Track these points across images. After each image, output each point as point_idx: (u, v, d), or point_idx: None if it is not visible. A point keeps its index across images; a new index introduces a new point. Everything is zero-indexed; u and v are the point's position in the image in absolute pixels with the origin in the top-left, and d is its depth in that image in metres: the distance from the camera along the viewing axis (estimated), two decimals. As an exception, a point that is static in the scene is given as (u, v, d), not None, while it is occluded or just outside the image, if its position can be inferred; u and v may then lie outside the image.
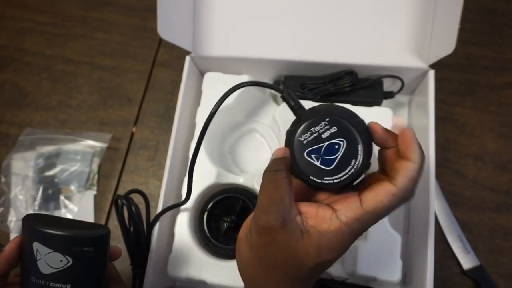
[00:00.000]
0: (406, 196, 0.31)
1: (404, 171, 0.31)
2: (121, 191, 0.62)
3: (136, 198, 0.48)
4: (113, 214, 0.61)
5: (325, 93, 0.55)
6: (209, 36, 0.58)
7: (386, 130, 0.33)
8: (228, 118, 0.57)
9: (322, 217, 0.31)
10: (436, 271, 0.46)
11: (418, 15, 0.54)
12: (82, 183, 0.62)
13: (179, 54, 0.65)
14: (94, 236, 0.36)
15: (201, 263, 0.49)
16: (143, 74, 0.69)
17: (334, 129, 0.32)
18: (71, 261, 0.35)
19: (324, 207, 0.32)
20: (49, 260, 0.35)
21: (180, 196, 0.53)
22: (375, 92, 0.56)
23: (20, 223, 0.59)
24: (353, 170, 0.32)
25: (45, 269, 0.35)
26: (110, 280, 0.40)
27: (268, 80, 0.61)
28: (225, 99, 0.36)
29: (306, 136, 0.33)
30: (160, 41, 0.71)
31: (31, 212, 0.61)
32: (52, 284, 0.35)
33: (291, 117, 0.36)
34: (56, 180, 0.62)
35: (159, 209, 0.51)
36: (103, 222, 0.61)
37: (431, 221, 0.47)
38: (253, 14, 0.57)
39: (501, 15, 0.66)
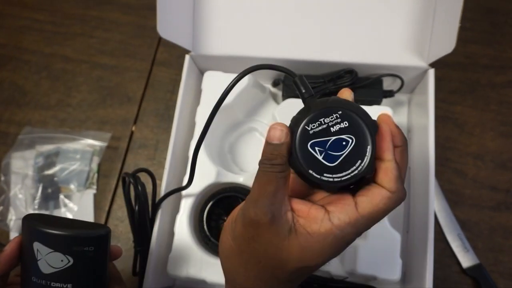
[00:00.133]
0: (401, 197, 0.29)
1: (387, 173, 0.29)
2: (121, 190, 0.62)
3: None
4: (113, 213, 0.61)
5: (325, 92, 0.55)
6: (209, 34, 0.58)
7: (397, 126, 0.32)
8: (228, 117, 0.57)
9: (314, 217, 0.29)
10: (436, 269, 0.46)
11: (418, 14, 0.54)
12: (82, 182, 0.62)
13: (179, 52, 0.65)
14: (95, 236, 0.36)
15: (201, 262, 0.49)
16: (143, 72, 0.69)
17: (345, 124, 0.30)
18: (71, 261, 0.35)
19: (317, 207, 0.30)
20: (50, 260, 0.35)
21: (180, 195, 0.53)
22: (375, 91, 0.56)
23: (19, 222, 0.59)
24: (356, 171, 0.29)
25: (45, 269, 0.35)
26: (111, 279, 0.40)
27: (268, 79, 0.61)
28: (238, 81, 0.34)
29: (314, 125, 0.30)
30: (160, 39, 0.71)
31: (31, 210, 0.61)
32: (53, 284, 0.35)
33: (291, 116, 0.36)
34: (55, 179, 0.62)
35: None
36: (103, 221, 0.61)
37: (431, 220, 0.47)
38: (253, 13, 0.57)
39: (501, 13, 0.66)
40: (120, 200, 0.62)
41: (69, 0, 0.75)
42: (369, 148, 0.29)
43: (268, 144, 0.30)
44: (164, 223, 0.52)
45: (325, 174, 0.29)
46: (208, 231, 0.51)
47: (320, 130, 0.30)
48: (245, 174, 0.53)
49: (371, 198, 0.29)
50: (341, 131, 0.30)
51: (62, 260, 0.35)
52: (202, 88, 0.56)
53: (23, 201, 0.61)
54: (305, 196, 0.34)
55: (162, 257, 0.51)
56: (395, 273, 0.47)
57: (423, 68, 0.54)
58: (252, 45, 0.57)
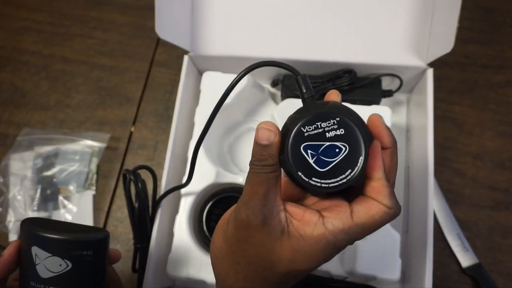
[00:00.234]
0: (397, 213, 0.29)
1: (380, 191, 0.29)
2: (121, 191, 0.62)
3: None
4: (113, 214, 0.61)
5: (324, 92, 0.55)
6: (208, 35, 0.58)
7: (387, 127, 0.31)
8: (227, 117, 0.57)
9: (308, 220, 0.29)
10: (435, 269, 0.46)
11: (417, 14, 0.54)
12: (81, 183, 0.62)
13: (178, 53, 0.65)
14: (93, 240, 0.36)
15: (200, 263, 0.49)
16: (142, 73, 0.69)
17: (341, 131, 0.29)
18: (70, 265, 0.35)
19: (312, 211, 0.30)
20: (48, 264, 0.35)
21: (180, 196, 0.53)
22: (374, 91, 0.56)
23: (18, 223, 0.59)
24: (345, 180, 0.29)
25: (44, 273, 0.35)
26: (110, 283, 0.40)
27: (267, 79, 0.61)
28: (241, 78, 0.34)
29: (310, 128, 0.29)
30: (159, 40, 0.70)
31: (30, 212, 0.61)
32: None
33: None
34: (54, 180, 0.62)
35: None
36: (102, 222, 0.61)
37: (430, 219, 0.47)
38: (252, 13, 0.57)
39: (500, 13, 0.66)
40: (119, 201, 0.62)
41: (68, 0, 0.75)
42: (361, 159, 0.29)
43: (257, 144, 0.29)
44: (164, 223, 0.52)
45: (313, 178, 0.29)
46: (208, 232, 0.51)
47: (315, 133, 0.29)
48: (245, 174, 0.53)
49: (368, 209, 0.29)
50: (336, 137, 0.29)
51: (60, 265, 0.35)
52: (201, 88, 0.56)
53: (22, 202, 0.61)
54: (298, 200, 0.33)
55: (162, 257, 0.51)
56: (394, 273, 0.47)
57: (422, 68, 0.53)
58: (250, 45, 0.57)
